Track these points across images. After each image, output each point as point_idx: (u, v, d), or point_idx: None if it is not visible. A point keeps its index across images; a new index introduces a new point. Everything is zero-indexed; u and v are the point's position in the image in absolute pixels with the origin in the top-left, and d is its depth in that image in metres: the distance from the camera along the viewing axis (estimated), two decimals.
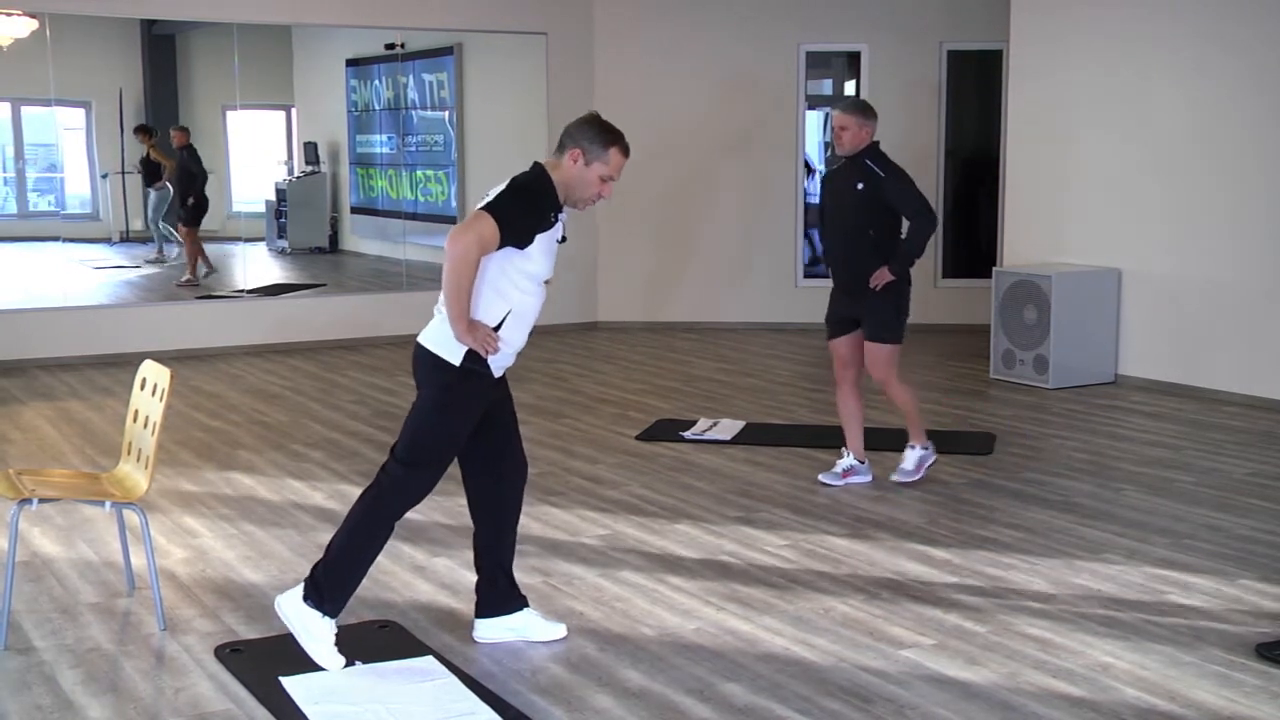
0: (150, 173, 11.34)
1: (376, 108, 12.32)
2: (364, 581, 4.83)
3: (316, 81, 12.61)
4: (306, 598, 4.01)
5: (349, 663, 4.01)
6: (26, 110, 10.98)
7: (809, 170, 11.59)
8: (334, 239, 12.69)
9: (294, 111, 12.31)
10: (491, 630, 4.27)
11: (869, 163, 6.02)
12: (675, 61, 11.27)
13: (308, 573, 4.09)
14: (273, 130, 12.31)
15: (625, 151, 4.09)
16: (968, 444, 7.05)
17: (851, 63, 11.42)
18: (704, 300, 11.49)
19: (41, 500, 4.33)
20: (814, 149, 11.97)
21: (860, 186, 6.01)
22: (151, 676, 4.01)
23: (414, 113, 12.13)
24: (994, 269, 9.20)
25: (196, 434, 7.38)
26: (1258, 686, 3.91)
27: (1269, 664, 4.06)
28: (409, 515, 5.74)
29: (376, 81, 12.25)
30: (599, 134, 4.05)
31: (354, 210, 12.59)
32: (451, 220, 11.80)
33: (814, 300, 11.33)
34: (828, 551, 5.23)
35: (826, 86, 12.09)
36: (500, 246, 3.92)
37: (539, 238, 3.99)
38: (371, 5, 10.63)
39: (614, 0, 11.37)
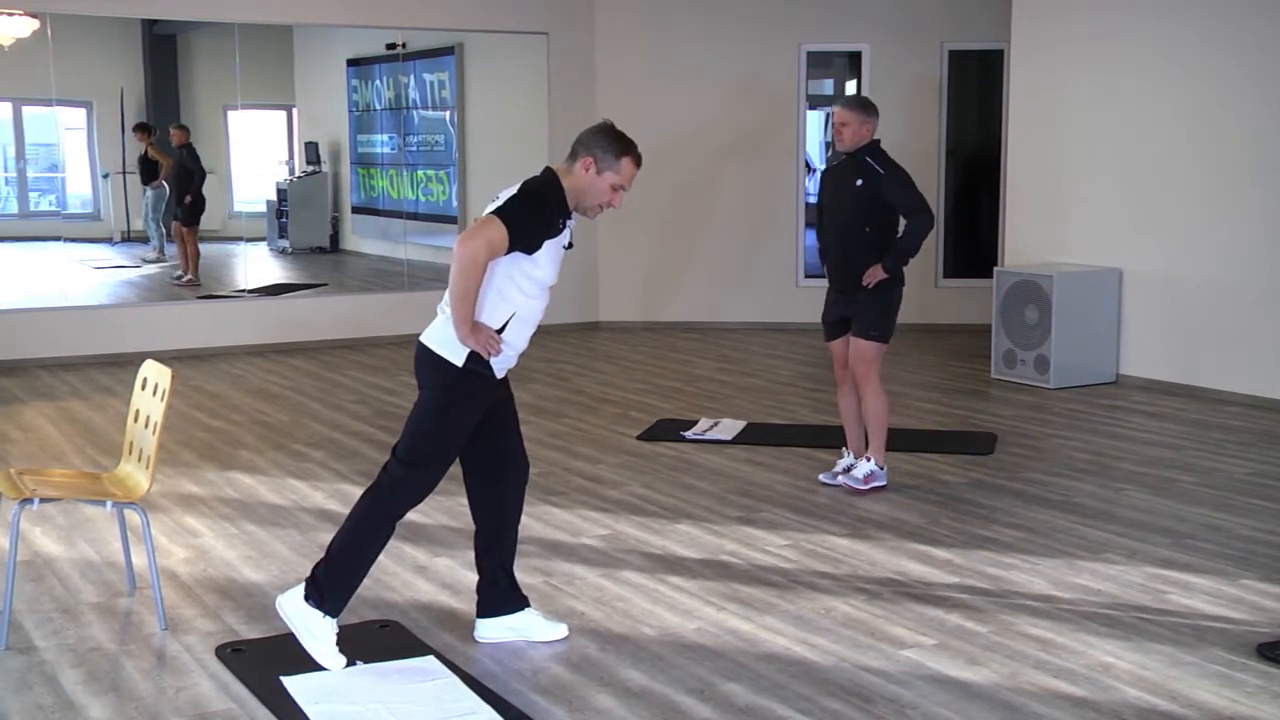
0: (148, 171, 11.34)
1: (377, 107, 12.32)
2: (365, 581, 4.83)
3: (318, 81, 12.62)
4: (307, 597, 4.02)
5: (350, 663, 4.01)
6: (28, 110, 10.99)
7: (809, 170, 11.59)
8: (335, 239, 12.70)
9: (295, 111, 12.32)
10: (492, 630, 4.27)
11: (869, 160, 6.00)
12: (676, 61, 11.27)
13: (309, 572, 4.09)
14: (274, 130, 12.31)
15: (637, 161, 4.10)
16: (969, 444, 7.05)
17: (852, 63, 11.42)
18: (705, 300, 11.49)
19: (43, 500, 4.33)
20: (815, 149, 11.96)
21: (859, 183, 5.99)
22: (153, 676, 4.01)
23: (415, 112, 12.13)
24: (995, 269, 9.19)
25: (198, 434, 7.39)
26: (1259, 687, 3.91)
27: (1270, 664, 4.06)
28: (410, 515, 5.74)
29: (377, 81, 12.26)
30: (612, 143, 4.05)
31: (355, 210, 12.59)
32: (452, 220, 11.81)
33: (815, 300, 11.27)
34: (829, 551, 5.23)
35: (827, 86, 12.09)
36: (509, 251, 3.93)
37: (547, 244, 4.00)
38: (372, 5, 10.63)
39: (615, 0, 11.37)
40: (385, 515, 4.12)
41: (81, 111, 11.27)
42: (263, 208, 12.28)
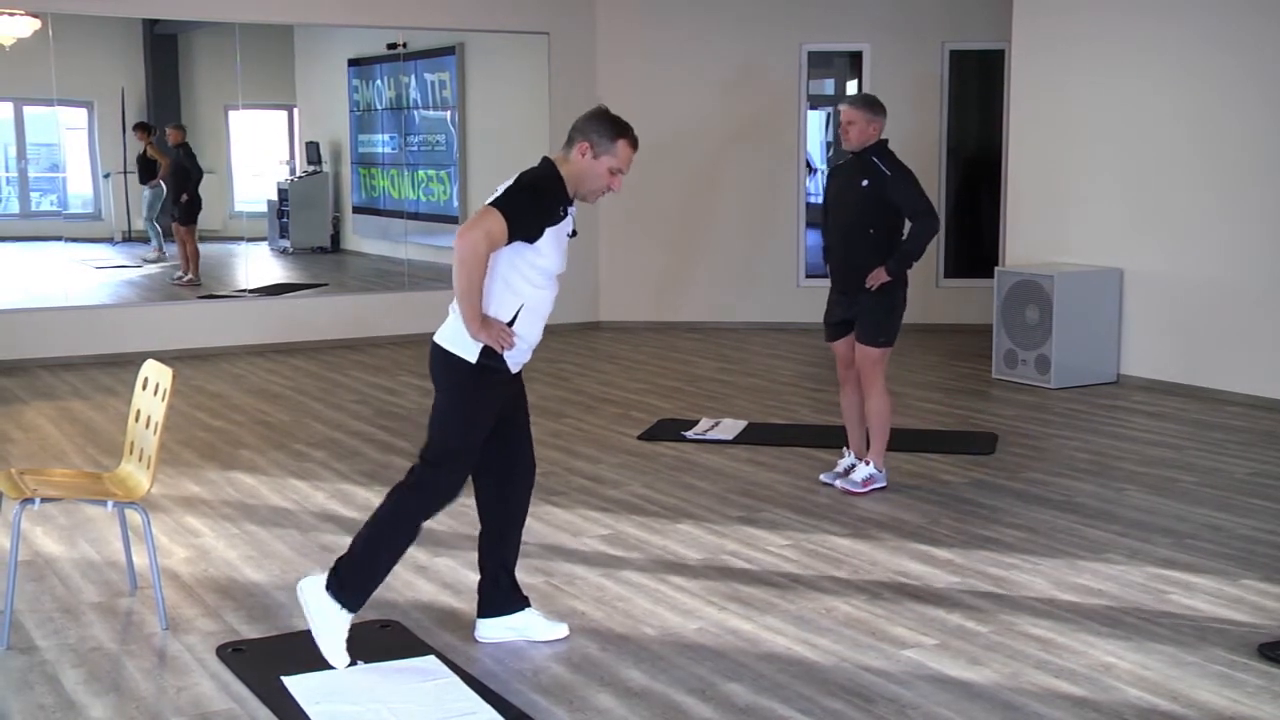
0: (146, 170, 11.35)
1: (378, 107, 12.32)
2: None
3: (318, 81, 12.62)
4: (328, 587, 4.01)
5: (351, 662, 4.01)
6: (29, 110, 10.99)
7: (810, 170, 11.59)
8: (336, 239, 12.70)
9: (296, 111, 12.32)
10: (493, 630, 4.27)
11: (875, 160, 5.92)
12: (677, 61, 11.27)
13: (333, 563, 4.07)
14: (275, 130, 12.31)
15: (634, 144, 4.10)
16: (970, 444, 7.05)
17: (853, 62, 11.42)
18: (706, 300, 11.49)
19: (44, 500, 4.33)
20: (816, 148, 11.96)
21: (865, 184, 5.92)
22: (153, 676, 4.02)
23: (416, 112, 12.13)
24: (996, 269, 9.19)
25: (199, 434, 7.39)
26: (1260, 687, 3.91)
27: (1271, 664, 4.06)
28: None
29: (378, 81, 12.26)
30: (607, 127, 4.05)
31: (356, 210, 12.59)
32: (454, 220, 11.80)
33: (816, 300, 11.27)
34: (830, 551, 5.23)
35: (828, 86, 12.09)
36: (509, 241, 3.92)
37: (548, 231, 3.99)
38: (373, 5, 10.63)
39: (616, 0, 11.37)
40: (411, 516, 4.11)
41: (82, 111, 11.28)
42: (264, 207, 12.28)
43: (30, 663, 4.11)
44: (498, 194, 3.99)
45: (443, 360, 4.08)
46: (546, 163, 4.09)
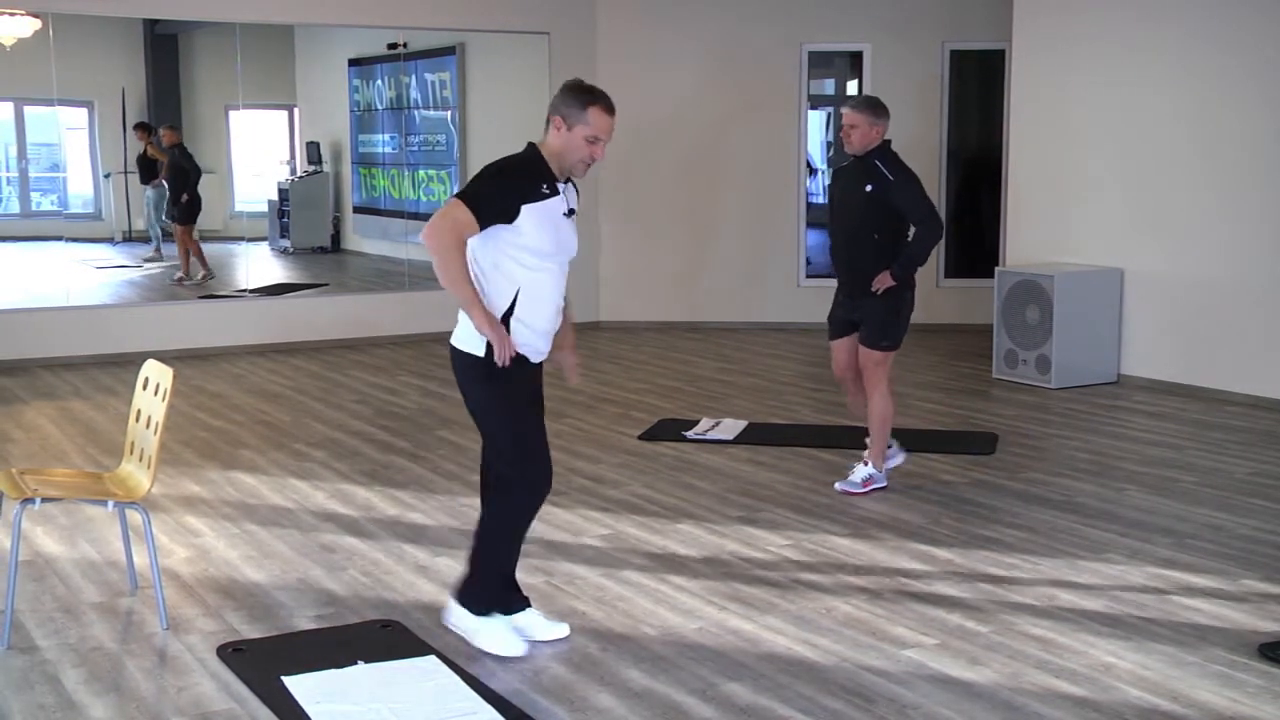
0: (147, 170, 11.35)
1: (379, 107, 12.32)
2: (365, 580, 4.85)
3: (319, 81, 12.62)
4: (470, 610, 4.11)
5: (353, 662, 4.01)
6: (29, 110, 10.99)
7: (811, 170, 11.59)
8: (336, 239, 12.70)
9: (296, 111, 12.32)
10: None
11: (879, 164, 5.87)
12: (677, 61, 11.27)
13: (457, 587, 4.19)
14: (275, 130, 12.32)
15: (607, 109, 4.04)
16: (970, 444, 7.05)
17: (854, 62, 11.42)
18: (706, 300, 11.49)
19: (44, 500, 4.33)
20: (816, 149, 11.96)
21: (869, 189, 5.87)
22: (154, 676, 4.02)
23: (416, 112, 12.13)
24: (996, 269, 9.19)
25: (199, 433, 7.39)
26: (1261, 687, 3.91)
27: (1272, 664, 4.06)
28: (411, 515, 5.77)
29: (379, 81, 12.26)
30: (576, 97, 4.02)
31: (356, 210, 12.59)
32: None
33: (816, 300, 11.33)
34: (830, 551, 5.23)
35: (829, 86, 12.09)
36: (484, 225, 3.91)
37: (528, 210, 3.93)
38: (374, 5, 10.63)
39: (616, 0, 11.37)
40: (516, 517, 4.13)
41: (83, 111, 11.28)
42: (264, 207, 12.28)
43: (31, 662, 4.11)
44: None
45: (459, 361, 4.09)
46: (529, 146, 4.09)
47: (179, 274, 11.25)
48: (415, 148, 12.13)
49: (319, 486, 6.26)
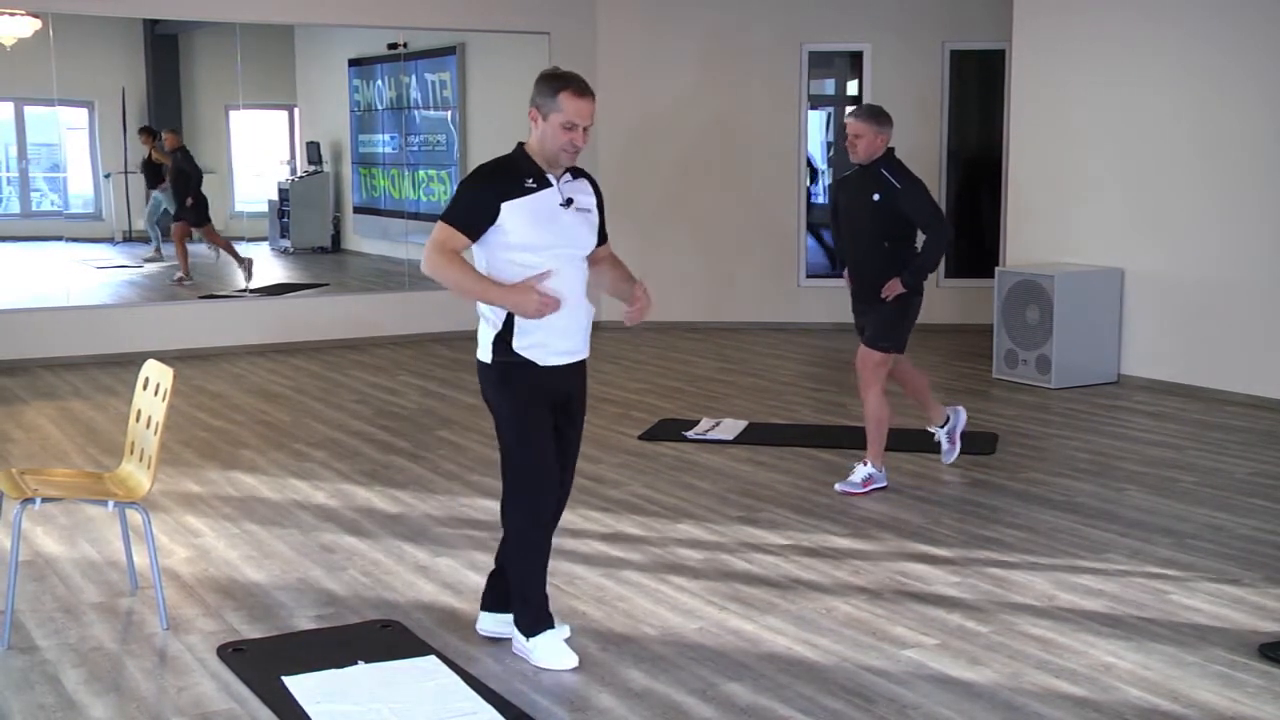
0: (153, 174, 11.36)
1: (379, 107, 12.32)
2: (365, 580, 4.86)
3: (319, 81, 12.62)
4: (523, 631, 4.09)
5: (353, 662, 4.01)
6: (29, 110, 10.99)
7: (811, 170, 11.59)
8: (336, 239, 12.70)
9: (296, 111, 12.33)
10: (494, 624, 4.26)
11: (885, 172, 5.90)
12: (677, 61, 11.27)
13: (511, 617, 4.17)
14: (275, 130, 12.32)
15: (578, 93, 3.90)
16: (970, 444, 7.02)
17: (854, 62, 11.42)
18: (706, 300, 11.49)
19: (44, 500, 4.33)
20: (816, 149, 11.97)
21: (876, 198, 5.91)
22: (154, 676, 4.02)
23: (416, 112, 12.13)
24: (996, 269, 9.19)
25: (199, 433, 7.39)
26: (1261, 687, 3.91)
27: (1272, 664, 4.06)
28: (412, 515, 5.76)
29: (379, 81, 12.26)
30: (545, 85, 3.95)
31: (356, 210, 12.59)
32: None
33: (816, 300, 11.38)
34: (830, 551, 5.23)
35: (829, 86, 12.09)
36: (474, 236, 3.90)
37: (510, 207, 3.89)
38: (374, 5, 10.63)
39: (616, 0, 11.38)
40: (523, 528, 4.07)
41: (83, 111, 11.28)
42: (264, 207, 12.29)
43: (31, 662, 4.11)
44: None
45: (479, 373, 4.09)
46: (516, 146, 4.04)
47: (179, 274, 11.25)
48: (415, 148, 12.14)
49: (319, 486, 6.26)
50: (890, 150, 5.96)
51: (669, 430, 7.38)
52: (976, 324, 10.47)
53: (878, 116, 5.93)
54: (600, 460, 6.74)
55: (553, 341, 3.98)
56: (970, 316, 10.86)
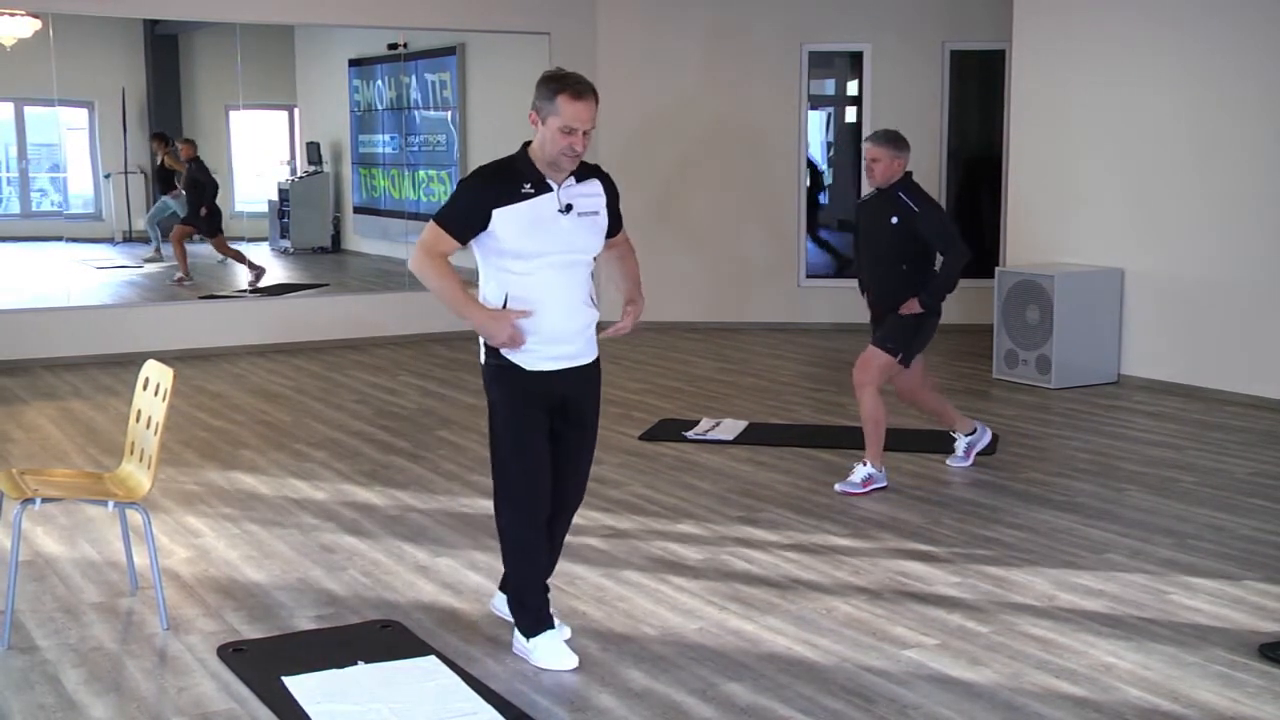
0: (165, 180, 11.38)
1: (379, 108, 12.32)
2: (365, 580, 4.86)
3: (319, 81, 12.62)
4: (522, 633, 4.10)
5: (353, 662, 4.02)
6: (29, 110, 11.00)
7: (813, 171, 11.59)
8: (336, 239, 12.70)
9: (296, 111, 12.33)
10: (505, 605, 4.27)
11: (902, 195, 5.97)
12: (677, 61, 11.27)
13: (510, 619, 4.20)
14: (275, 130, 12.32)
15: (576, 95, 3.82)
16: None
17: (854, 62, 11.42)
18: (706, 300, 11.48)
19: (44, 500, 4.33)
20: (816, 149, 11.97)
21: (894, 220, 5.98)
22: (154, 676, 4.02)
23: (416, 113, 12.13)
24: (996, 269, 9.19)
25: (199, 433, 7.39)
26: (1261, 687, 3.91)
27: (1272, 664, 4.06)
28: (412, 515, 5.76)
29: (379, 81, 12.26)
30: (544, 88, 3.89)
31: (356, 210, 12.59)
32: None
33: (817, 300, 11.38)
34: (830, 551, 5.23)
35: (829, 86, 12.10)
36: (460, 239, 3.90)
37: (501, 214, 3.86)
38: (374, 5, 10.63)
39: (616, 0, 11.37)
40: (510, 529, 4.08)
41: (83, 111, 11.28)
42: (264, 207, 12.29)
43: (31, 662, 4.11)
44: None
45: (482, 372, 4.11)
46: (520, 147, 4.01)
47: (179, 274, 11.25)
48: (415, 148, 12.14)
49: (319, 486, 6.26)
50: (908, 174, 6.03)
51: (669, 430, 7.38)
52: (977, 324, 10.46)
53: (895, 141, 5.99)
54: (600, 460, 6.71)
55: (539, 348, 3.96)
56: (970, 316, 10.84)
